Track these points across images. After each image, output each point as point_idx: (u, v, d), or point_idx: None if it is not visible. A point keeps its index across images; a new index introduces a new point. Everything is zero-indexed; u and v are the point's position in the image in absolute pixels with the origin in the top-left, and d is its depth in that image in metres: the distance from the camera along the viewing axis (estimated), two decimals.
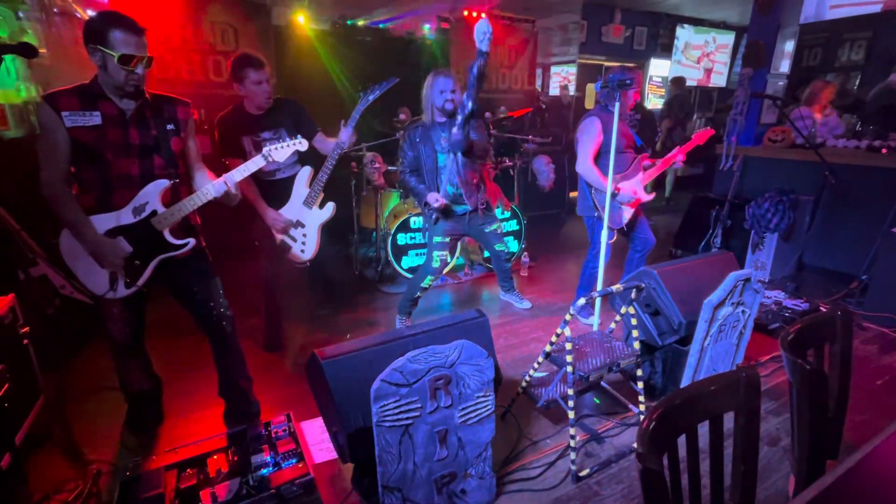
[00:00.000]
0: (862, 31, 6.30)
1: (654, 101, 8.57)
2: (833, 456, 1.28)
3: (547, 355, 1.99)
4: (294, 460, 1.65)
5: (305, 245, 2.55)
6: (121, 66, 1.61)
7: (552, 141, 5.49)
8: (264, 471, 1.61)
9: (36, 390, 2.07)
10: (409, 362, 1.43)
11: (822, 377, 1.15)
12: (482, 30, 2.20)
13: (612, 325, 2.26)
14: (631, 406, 2.24)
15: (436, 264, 2.85)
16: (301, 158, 2.57)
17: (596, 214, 2.83)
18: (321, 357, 1.48)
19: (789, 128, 3.84)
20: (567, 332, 1.84)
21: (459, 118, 2.52)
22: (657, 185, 2.93)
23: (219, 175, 1.92)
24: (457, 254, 3.85)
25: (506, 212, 3.93)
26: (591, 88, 7.74)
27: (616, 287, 2.01)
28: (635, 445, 0.85)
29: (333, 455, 1.87)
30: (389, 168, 3.88)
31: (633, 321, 2.02)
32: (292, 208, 2.52)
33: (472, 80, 2.36)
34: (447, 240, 2.85)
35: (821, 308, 3.23)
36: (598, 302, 2.64)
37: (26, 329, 2.02)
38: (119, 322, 1.92)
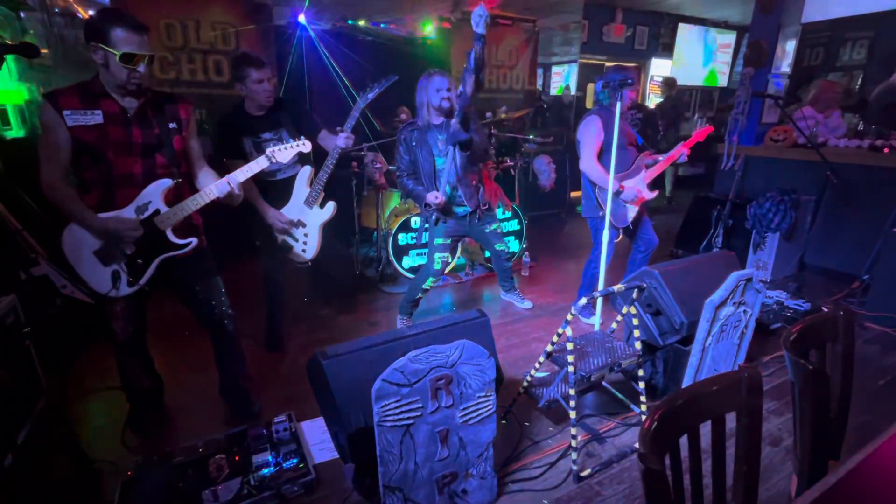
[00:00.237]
0: (864, 30, 6.28)
1: (655, 101, 8.56)
2: (835, 456, 1.28)
3: (548, 355, 1.98)
4: (295, 460, 1.65)
5: (307, 245, 2.55)
6: (123, 64, 1.60)
7: (553, 141, 5.49)
8: (265, 471, 1.61)
9: (37, 390, 2.07)
10: (410, 362, 1.43)
11: (825, 377, 1.15)
12: (478, 13, 2.19)
13: (614, 325, 2.26)
14: (632, 406, 2.24)
15: (437, 266, 2.84)
16: (301, 158, 2.57)
17: (600, 214, 2.83)
18: (322, 357, 1.48)
19: (791, 127, 3.83)
20: (568, 331, 1.84)
21: (458, 107, 2.47)
22: (655, 185, 2.92)
23: (221, 174, 1.92)
24: (457, 254, 3.85)
25: (507, 212, 3.92)
26: (592, 89, 7.73)
27: (617, 287, 2.01)
28: (637, 445, 0.85)
29: (334, 455, 1.87)
30: (390, 168, 3.88)
31: (635, 321, 2.02)
32: (293, 208, 2.52)
33: (471, 66, 2.33)
34: (448, 241, 2.84)
35: (822, 308, 3.22)
36: (599, 302, 2.64)
37: (27, 329, 2.02)
38: (121, 321, 1.93)
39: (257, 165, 1.92)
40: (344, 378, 1.48)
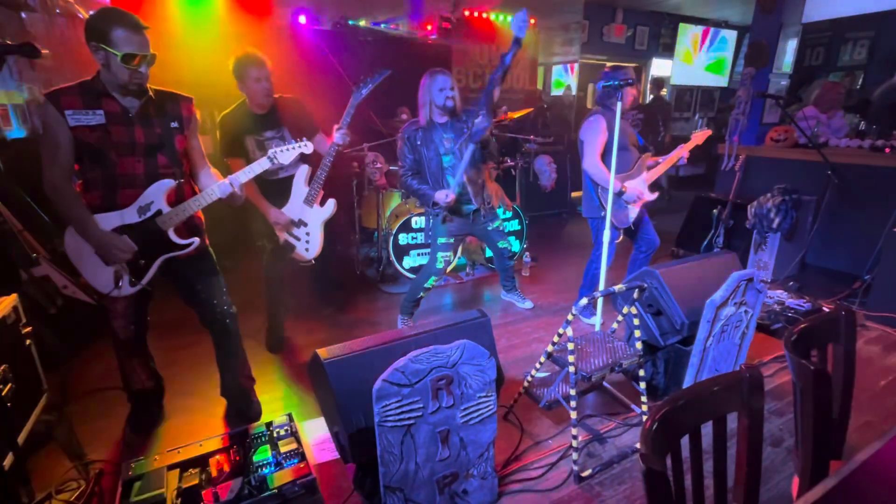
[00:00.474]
0: (864, 30, 6.28)
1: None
2: (837, 456, 1.27)
3: (549, 355, 1.98)
4: (296, 460, 1.65)
5: (309, 243, 2.56)
6: (124, 64, 1.60)
7: (554, 141, 5.49)
8: (266, 471, 1.61)
9: (38, 390, 2.07)
10: (410, 362, 1.42)
11: (826, 378, 1.14)
12: (522, 18, 2.22)
13: (615, 326, 2.26)
14: (633, 406, 2.24)
15: (440, 265, 2.84)
16: (300, 156, 2.57)
17: (602, 214, 2.83)
18: (323, 357, 1.48)
19: (791, 127, 3.83)
20: (569, 332, 1.84)
21: (483, 105, 2.46)
22: (654, 186, 2.93)
23: (223, 174, 1.92)
24: (458, 254, 3.85)
25: (507, 212, 3.92)
26: (593, 89, 7.72)
27: (618, 287, 2.01)
28: (638, 446, 0.85)
29: (335, 455, 1.87)
30: (391, 168, 3.88)
31: (636, 321, 2.02)
32: (293, 207, 2.52)
33: (504, 67, 2.35)
34: (451, 241, 2.84)
35: (824, 308, 3.22)
36: (600, 302, 2.63)
37: (29, 329, 2.02)
38: (122, 320, 1.93)
39: (259, 166, 1.93)
40: (345, 378, 1.47)
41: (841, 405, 1.28)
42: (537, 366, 2.06)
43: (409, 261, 3.72)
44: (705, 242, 4.07)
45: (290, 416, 1.87)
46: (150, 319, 2.09)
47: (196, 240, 1.87)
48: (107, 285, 1.79)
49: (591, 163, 2.75)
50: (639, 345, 2.01)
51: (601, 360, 1.93)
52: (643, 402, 2.08)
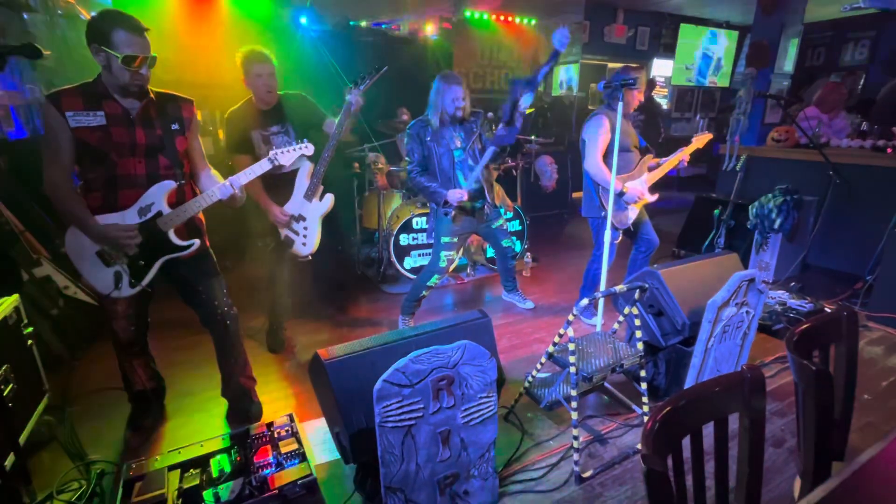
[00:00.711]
0: (866, 30, 6.27)
1: (657, 102, 8.57)
2: (839, 457, 1.27)
3: (550, 356, 1.98)
4: (296, 461, 1.65)
5: (307, 238, 2.57)
6: (125, 66, 1.61)
7: (555, 141, 5.49)
8: (267, 471, 1.61)
9: (40, 390, 2.07)
10: (411, 363, 1.42)
11: (828, 378, 1.14)
12: (565, 34, 2.30)
13: (616, 326, 2.25)
14: (634, 407, 2.23)
15: (442, 263, 2.85)
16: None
17: (602, 215, 2.82)
18: (324, 357, 1.48)
19: (792, 127, 3.83)
20: (570, 332, 1.84)
21: (523, 104, 2.48)
22: (655, 187, 2.93)
23: (224, 175, 1.92)
24: (460, 254, 3.84)
25: (508, 212, 3.92)
26: (595, 89, 7.72)
27: (619, 287, 2.01)
28: (639, 446, 0.85)
29: (336, 456, 1.87)
30: (392, 169, 3.89)
31: (637, 322, 2.02)
32: (294, 202, 2.56)
33: (541, 76, 2.42)
34: (455, 239, 2.84)
35: (825, 309, 3.21)
36: (601, 302, 2.63)
37: (30, 329, 2.03)
38: (123, 321, 1.93)
39: (260, 168, 1.94)
40: (345, 378, 1.48)
41: (843, 406, 1.28)
42: (538, 366, 2.05)
43: (410, 261, 3.72)
44: (706, 243, 4.07)
45: (290, 416, 1.87)
46: (151, 320, 2.09)
47: (196, 241, 1.88)
48: (107, 286, 1.79)
49: (593, 163, 2.75)
50: (640, 345, 2.01)
51: (602, 361, 1.93)
52: (644, 403, 2.07)
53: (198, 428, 2.13)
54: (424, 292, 2.95)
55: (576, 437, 1.83)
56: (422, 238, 3.70)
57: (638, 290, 2.03)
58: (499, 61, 5.97)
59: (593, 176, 2.79)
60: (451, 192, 2.64)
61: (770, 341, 2.85)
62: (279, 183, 2.54)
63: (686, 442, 0.93)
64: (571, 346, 1.81)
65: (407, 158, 2.83)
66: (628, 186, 2.76)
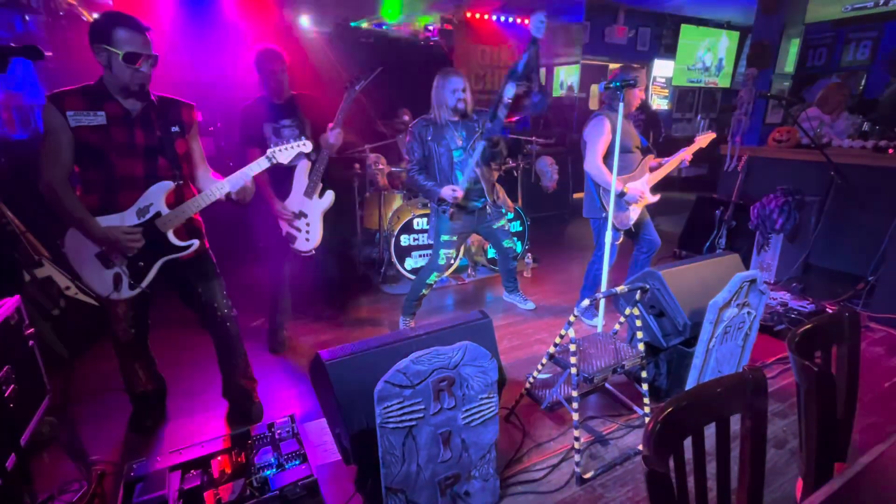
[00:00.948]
0: (868, 31, 6.26)
1: (658, 103, 8.55)
2: (841, 458, 1.27)
3: (551, 357, 1.98)
4: (297, 462, 1.65)
5: (310, 234, 2.62)
6: (126, 64, 1.62)
7: (556, 142, 5.49)
8: (268, 472, 1.61)
9: (41, 391, 2.07)
10: (412, 363, 1.42)
11: (830, 379, 1.14)
12: (540, 19, 2.23)
13: (617, 327, 2.25)
14: (635, 408, 2.23)
15: (441, 261, 2.85)
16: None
17: (603, 215, 2.82)
18: (325, 358, 1.48)
19: (794, 128, 3.82)
20: (571, 333, 1.83)
21: (506, 96, 2.44)
22: (655, 188, 2.93)
23: (224, 175, 1.92)
24: (461, 253, 3.85)
25: (509, 213, 3.92)
26: (595, 90, 7.72)
27: (620, 288, 2.00)
28: (640, 448, 0.85)
29: (337, 457, 1.87)
30: (393, 169, 3.89)
31: (638, 322, 2.01)
32: (294, 200, 2.59)
33: (521, 65, 2.36)
34: (455, 238, 2.84)
35: (827, 309, 3.20)
36: (602, 303, 2.63)
37: (31, 330, 2.02)
38: (123, 322, 1.93)
39: (258, 166, 1.94)
40: (346, 379, 1.47)
41: (845, 407, 1.27)
42: (539, 367, 2.05)
43: (411, 262, 3.72)
44: (708, 243, 4.06)
45: (291, 417, 1.87)
46: (152, 321, 2.09)
47: (195, 242, 1.88)
48: (106, 288, 1.79)
49: (592, 164, 2.74)
50: (641, 346, 2.01)
51: (603, 362, 1.93)
52: (645, 404, 2.07)
53: (199, 429, 2.13)
54: (424, 291, 2.94)
55: (577, 438, 1.82)
56: (423, 239, 3.70)
57: (639, 291, 2.02)
58: (499, 62, 5.97)
59: (593, 177, 2.79)
60: (444, 189, 2.65)
61: (772, 342, 2.84)
62: (285, 176, 2.58)
63: (688, 443, 0.93)
64: (572, 347, 1.81)
65: (407, 157, 2.84)
66: (629, 187, 2.76)
